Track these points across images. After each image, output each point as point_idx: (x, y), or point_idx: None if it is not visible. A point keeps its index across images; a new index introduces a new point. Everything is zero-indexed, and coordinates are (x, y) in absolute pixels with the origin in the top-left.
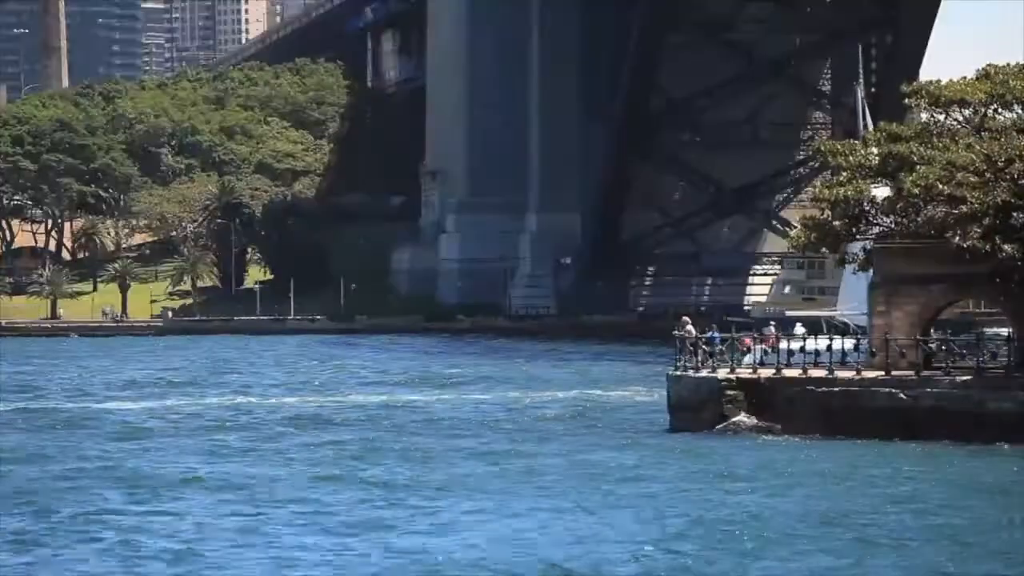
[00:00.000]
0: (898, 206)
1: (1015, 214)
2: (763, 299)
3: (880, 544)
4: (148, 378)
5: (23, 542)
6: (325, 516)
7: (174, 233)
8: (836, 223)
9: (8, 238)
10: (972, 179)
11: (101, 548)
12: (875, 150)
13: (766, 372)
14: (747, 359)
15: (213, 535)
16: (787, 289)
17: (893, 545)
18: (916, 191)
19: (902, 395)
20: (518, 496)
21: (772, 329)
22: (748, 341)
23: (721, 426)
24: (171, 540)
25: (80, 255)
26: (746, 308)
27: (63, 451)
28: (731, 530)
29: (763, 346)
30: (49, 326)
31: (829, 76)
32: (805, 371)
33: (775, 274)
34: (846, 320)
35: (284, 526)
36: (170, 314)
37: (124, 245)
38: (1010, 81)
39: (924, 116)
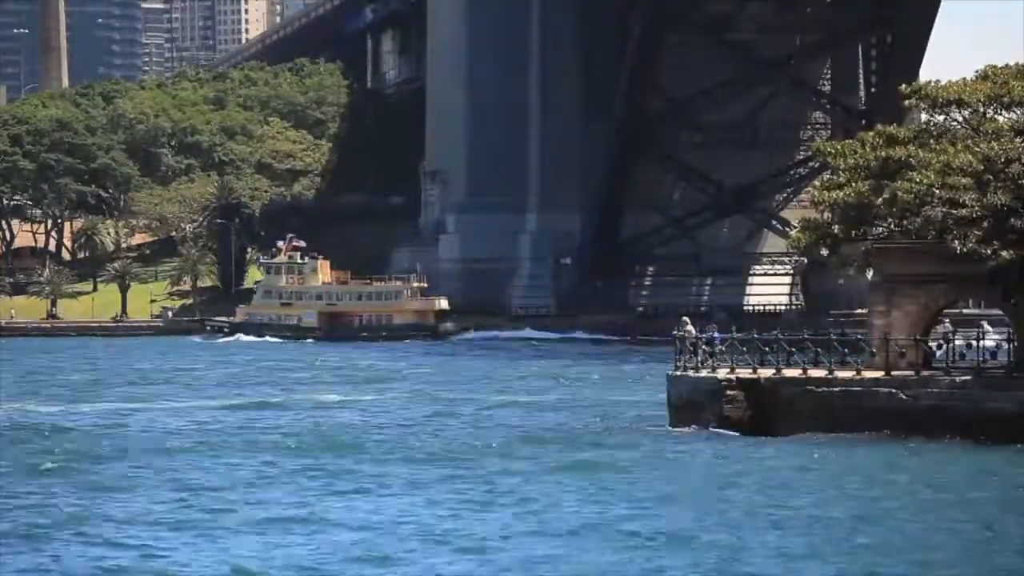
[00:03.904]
0: (894, 209)
1: (1012, 219)
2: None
3: None
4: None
5: None
6: None
7: (174, 233)
8: (836, 226)
9: (8, 238)
10: (967, 181)
11: None
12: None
13: (766, 372)
14: None
15: None
16: (266, 294)
17: None
18: (909, 198)
19: (902, 395)
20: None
21: (948, 325)
22: None
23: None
24: None
25: (80, 255)
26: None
27: None
28: None
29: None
30: (49, 326)
31: (829, 76)
32: (805, 371)
33: (775, 274)
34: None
35: None
36: (170, 314)
37: (124, 245)
38: (1010, 82)
39: (924, 117)
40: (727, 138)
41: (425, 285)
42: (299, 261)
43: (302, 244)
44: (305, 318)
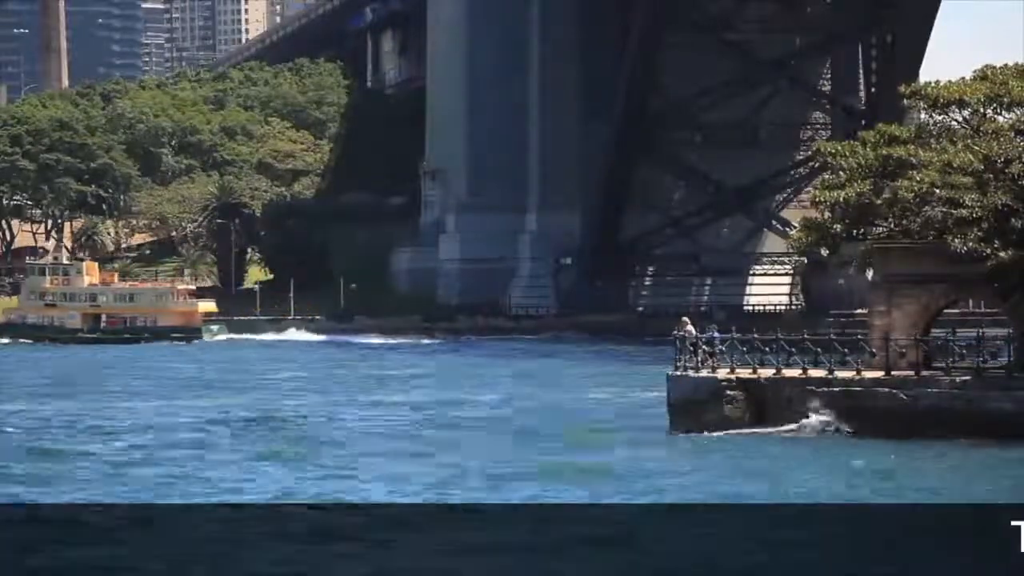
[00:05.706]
0: (894, 209)
1: (1012, 219)
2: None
3: None
4: None
5: None
6: None
7: (174, 233)
8: (837, 226)
9: (8, 238)
10: (967, 181)
11: None
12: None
13: (766, 372)
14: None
15: None
16: (31, 295)
17: None
18: (910, 196)
19: (902, 395)
20: None
21: None
22: None
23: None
24: None
25: (80, 255)
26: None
27: None
28: None
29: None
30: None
31: (829, 76)
32: (805, 371)
33: (775, 274)
34: None
35: None
36: None
37: (124, 245)
38: (1009, 82)
39: (923, 117)
40: (727, 138)
41: (193, 288)
42: (64, 262)
43: (67, 245)
44: (68, 320)
